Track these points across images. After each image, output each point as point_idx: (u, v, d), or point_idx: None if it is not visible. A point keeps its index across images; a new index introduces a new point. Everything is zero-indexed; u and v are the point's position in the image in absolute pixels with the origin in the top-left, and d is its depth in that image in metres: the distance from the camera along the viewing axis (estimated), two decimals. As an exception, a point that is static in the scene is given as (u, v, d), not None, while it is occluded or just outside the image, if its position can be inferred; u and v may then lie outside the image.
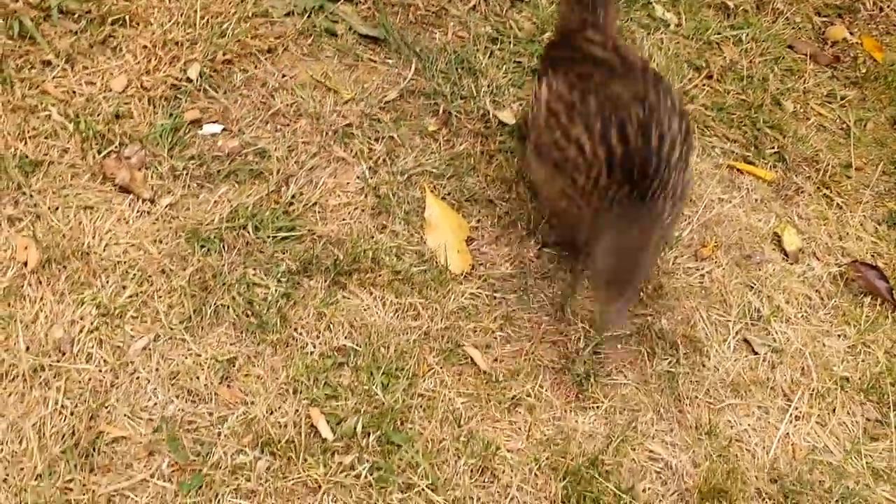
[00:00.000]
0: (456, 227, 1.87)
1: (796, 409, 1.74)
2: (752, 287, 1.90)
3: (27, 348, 1.56)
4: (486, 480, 1.54)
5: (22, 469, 1.45)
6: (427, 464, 1.53)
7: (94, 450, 1.47)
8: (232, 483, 1.47)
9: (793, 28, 2.56)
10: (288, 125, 2.00)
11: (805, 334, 1.85)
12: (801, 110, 2.34)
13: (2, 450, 1.46)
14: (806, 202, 2.11)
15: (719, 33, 2.44)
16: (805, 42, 2.54)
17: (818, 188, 2.14)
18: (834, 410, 1.75)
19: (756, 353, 1.80)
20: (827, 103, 2.38)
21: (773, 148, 2.20)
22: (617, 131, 1.43)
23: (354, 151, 1.97)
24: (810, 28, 2.60)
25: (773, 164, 2.17)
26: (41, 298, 1.64)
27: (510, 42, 2.23)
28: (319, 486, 1.48)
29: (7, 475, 1.44)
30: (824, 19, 2.65)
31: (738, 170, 2.14)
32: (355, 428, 1.54)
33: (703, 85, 2.31)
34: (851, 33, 2.63)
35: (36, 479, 1.44)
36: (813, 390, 1.76)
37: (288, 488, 1.48)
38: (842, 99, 2.40)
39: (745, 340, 1.82)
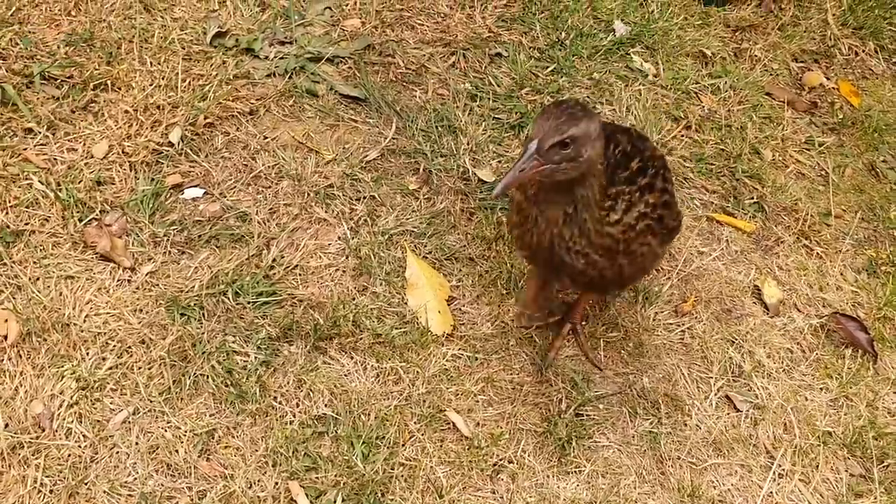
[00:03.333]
0: (437, 286, 1.88)
1: (780, 466, 1.73)
2: (734, 342, 1.90)
3: (6, 425, 1.56)
4: (468, 552, 1.53)
5: (-1, 551, 1.44)
6: (408, 535, 1.52)
7: (72, 530, 1.47)
8: (211, 561, 1.46)
9: (770, 74, 2.59)
10: (269, 187, 2.02)
11: (787, 389, 1.85)
12: (780, 158, 2.36)
13: (-21, 531, 1.46)
14: (786, 253, 2.12)
15: (697, 82, 2.47)
16: (782, 88, 2.57)
17: (798, 238, 2.15)
18: (817, 467, 1.75)
19: (738, 410, 1.80)
20: (805, 150, 2.41)
21: (753, 198, 2.22)
22: None
23: (336, 212, 1.99)
24: (787, 74, 2.63)
25: (753, 214, 2.19)
26: (21, 373, 1.64)
27: (489, 98, 2.26)
28: (299, 562, 1.48)
29: (-16, 558, 1.43)
30: (801, 65, 2.68)
31: (717, 221, 2.15)
32: (335, 502, 1.53)
33: (682, 136, 2.33)
34: (828, 78, 2.66)
35: (13, 562, 1.43)
36: (796, 446, 1.76)
37: (267, 565, 1.47)
38: (820, 145, 2.42)
39: (727, 397, 1.82)
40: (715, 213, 2.16)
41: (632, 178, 1.53)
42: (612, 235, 1.47)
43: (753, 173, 2.28)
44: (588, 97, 2.33)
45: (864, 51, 2.75)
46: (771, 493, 1.70)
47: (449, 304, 1.87)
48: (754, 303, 2.00)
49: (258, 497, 1.53)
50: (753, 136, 2.38)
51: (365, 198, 2.02)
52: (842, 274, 2.11)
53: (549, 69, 2.35)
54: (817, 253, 2.14)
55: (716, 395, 1.81)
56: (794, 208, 2.22)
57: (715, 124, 2.38)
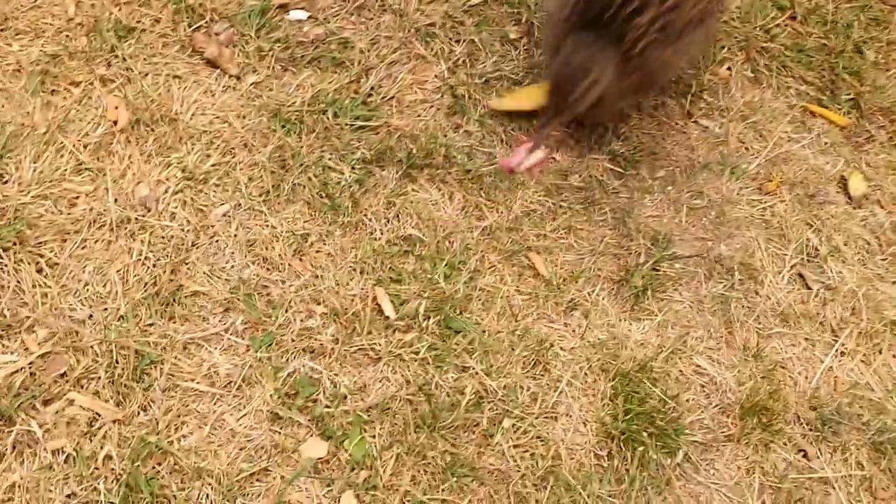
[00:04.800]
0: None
1: (843, 345, 1.77)
2: (813, 225, 1.92)
3: (115, 200, 1.64)
4: (538, 373, 1.60)
5: (106, 309, 1.54)
6: (482, 350, 1.60)
7: (174, 300, 1.56)
8: (299, 344, 1.55)
9: (883, -22, 2.51)
10: (372, 19, 2.03)
11: (860, 276, 1.87)
12: (883, 61, 2.31)
13: (87, 290, 1.55)
14: (876, 151, 2.10)
15: (808, -26, 2.40)
16: (894, -7, 2.49)
17: (891, 138, 2.13)
18: (880, 351, 1.79)
19: (809, 288, 1.83)
20: (909, 56, 2.35)
21: (850, 94, 2.19)
22: None
23: (435, 51, 2.00)
24: (901, -20, 2.54)
25: (848, 111, 2.16)
26: (129, 157, 1.71)
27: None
28: (380, 357, 1.56)
29: (92, 313, 1.53)
30: (916, -28, 2.59)
31: (811, 112, 2.13)
32: (417, 310, 1.61)
33: (786, 25, 2.28)
34: (942, -11, 2.57)
35: (119, 320, 1.53)
36: (861, 330, 1.80)
37: (350, 354, 1.56)
38: (925, 54, 2.36)
39: (800, 275, 1.85)
40: (810, 104, 2.14)
41: None
42: None
43: (854, 71, 2.23)
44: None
45: (985, -35, 2.64)
46: (831, 367, 1.74)
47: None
48: (838, 192, 2.00)
49: (346, 296, 1.61)
50: (858, 36, 2.32)
51: (465, 40, 2.03)
52: (930, 178, 2.09)
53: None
54: (908, 155, 2.12)
55: (789, 271, 1.84)
56: (891, 109, 2.18)
57: (821, 18, 2.32)
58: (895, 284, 1.89)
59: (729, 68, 2.14)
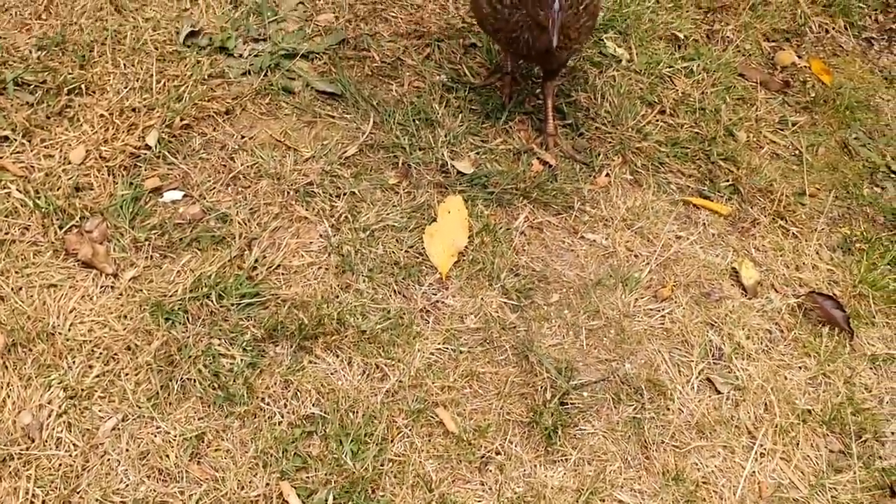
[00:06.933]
0: (450, 243, 1.93)
1: (761, 445, 1.77)
2: (713, 325, 1.94)
3: (-5, 437, 1.57)
4: (459, 543, 1.56)
5: (-5, 563, 1.45)
6: (400, 530, 1.55)
7: (66, 539, 1.48)
8: (206, 564, 1.48)
9: (743, 55, 2.62)
10: (249, 187, 2.02)
11: (766, 369, 1.89)
12: (755, 139, 2.39)
13: (-26, 544, 1.47)
14: (762, 234, 2.15)
15: (671, 66, 2.48)
16: (755, 69, 2.60)
17: (773, 219, 2.18)
18: (798, 444, 1.79)
19: (719, 392, 1.83)
20: (779, 130, 2.44)
21: (728, 180, 2.25)
22: None
23: (316, 210, 1.99)
24: (760, 54, 2.65)
25: (729, 197, 2.22)
26: (8, 384, 1.64)
27: (465, 89, 2.26)
28: (292, 561, 1.50)
29: (-20, 571, 1.44)
30: (773, 44, 2.71)
31: (694, 205, 2.18)
32: (326, 500, 1.56)
33: (657, 120, 2.35)
34: (800, 56, 2.69)
35: (9, 574, 1.44)
36: (776, 426, 1.80)
37: (262, 565, 1.49)
38: (793, 125, 2.45)
39: (709, 380, 1.85)
40: (691, 197, 2.19)
41: None
42: None
43: (728, 156, 2.30)
44: (563, 85, 2.35)
45: (834, 28, 2.78)
46: (753, 472, 1.74)
47: (437, 291, 1.89)
48: (732, 285, 2.03)
49: (250, 499, 1.55)
50: (727, 118, 2.40)
51: (345, 194, 2.03)
52: (817, 253, 2.14)
53: (524, 58, 2.36)
54: (793, 233, 2.17)
55: (697, 378, 1.85)
56: (770, 189, 2.25)
57: (689, 107, 2.40)
58: (801, 370, 1.91)
59: (607, 174, 2.18)
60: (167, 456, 1.59)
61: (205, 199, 1.97)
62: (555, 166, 2.14)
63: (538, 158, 2.16)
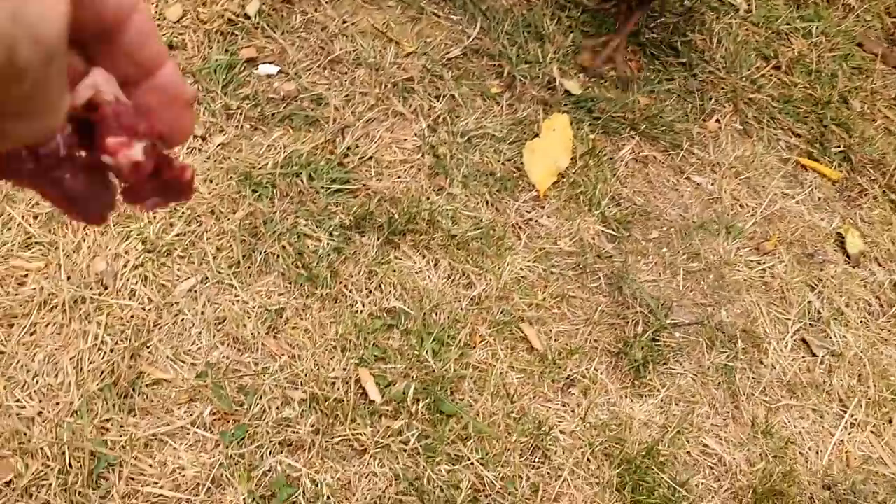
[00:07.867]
0: (551, 161, 1.84)
1: (852, 416, 1.68)
2: (814, 287, 1.84)
3: (68, 278, 1.49)
4: (538, 460, 1.48)
5: (58, 404, 1.38)
6: (477, 437, 1.47)
7: (133, 390, 1.41)
8: (275, 437, 1.40)
9: (862, 26, 2.48)
10: (346, 73, 1.92)
11: (864, 340, 1.79)
12: (869, 111, 2.27)
13: (37, 382, 1.39)
14: (870, 206, 2.04)
15: (789, 24, 2.36)
16: (874, 41, 2.47)
17: (884, 192, 2.07)
18: (890, 421, 1.70)
19: (814, 355, 1.74)
20: (894, 106, 2.31)
21: (839, 147, 2.13)
22: None
23: (413, 107, 1.89)
24: (880, 28, 2.52)
25: (839, 163, 2.10)
26: (84, 228, 1.56)
27: (578, 9, 2.14)
28: (366, 449, 1.42)
29: (42, 409, 1.37)
30: (894, 20, 2.57)
31: (803, 165, 2.07)
32: (405, 393, 1.48)
33: (771, 75, 2.23)
34: (921, 37, 2.55)
35: (72, 416, 1.37)
36: (870, 399, 1.71)
37: (333, 447, 1.41)
38: (909, 103, 2.32)
39: (804, 341, 1.76)
40: (801, 157, 2.08)
41: None
42: None
43: (841, 122, 2.18)
44: (679, 24, 2.22)
45: (961, 13, 2.64)
46: (842, 441, 1.65)
47: (532, 209, 1.80)
48: (836, 251, 1.93)
49: (327, 379, 1.47)
50: (843, 86, 2.28)
51: (444, 96, 1.92)
52: (925, 234, 2.03)
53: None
54: (902, 210, 2.06)
55: (792, 336, 1.75)
56: (882, 162, 2.13)
57: (805, 68, 2.28)
58: (900, 348, 1.82)
59: (718, 120, 2.07)
60: (244, 325, 1.51)
61: (301, 77, 1.87)
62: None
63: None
